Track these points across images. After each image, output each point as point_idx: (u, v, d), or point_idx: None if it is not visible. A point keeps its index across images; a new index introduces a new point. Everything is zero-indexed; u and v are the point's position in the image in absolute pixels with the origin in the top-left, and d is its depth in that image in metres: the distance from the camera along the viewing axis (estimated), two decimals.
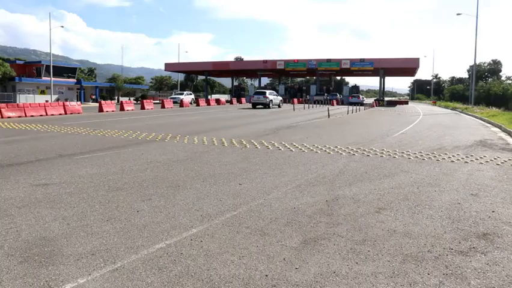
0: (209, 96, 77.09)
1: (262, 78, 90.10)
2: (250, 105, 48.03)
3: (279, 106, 46.49)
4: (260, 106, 44.30)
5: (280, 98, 49.63)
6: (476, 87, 58.93)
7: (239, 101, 63.08)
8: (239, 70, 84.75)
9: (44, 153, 11.22)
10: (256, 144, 13.32)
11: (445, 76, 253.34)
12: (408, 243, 4.84)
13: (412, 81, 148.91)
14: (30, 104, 30.56)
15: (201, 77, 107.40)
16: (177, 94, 64.25)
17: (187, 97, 59.73)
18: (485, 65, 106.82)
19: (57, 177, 8.11)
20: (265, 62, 76.11)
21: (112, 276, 3.91)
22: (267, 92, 46.52)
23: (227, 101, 64.54)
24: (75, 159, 10.33)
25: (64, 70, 65.32)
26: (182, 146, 12.94)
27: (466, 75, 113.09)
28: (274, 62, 74.91)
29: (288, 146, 12.90)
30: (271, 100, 44.60)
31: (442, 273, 4.08)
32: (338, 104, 62.52)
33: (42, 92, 59.40)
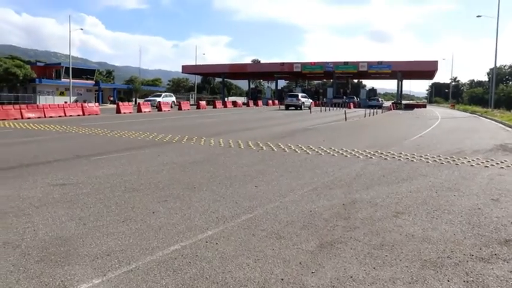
0: (226, 99, 77.26)
1: (278, 80, 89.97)
2: (266, 108, 50.85)
3: (309, 108, 48.41)
4: (292, 108, 48.04)
5: (310, 100, 52.59)
6: (496, 90, 58.10)
7: (256, 104, 63.07)
8: (256, 72, 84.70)
9: (62, 153, 11.32)
10: (272, 146, 13.27)
11: (464, 79, 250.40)
12: (427, 249, 4.74)
13: (430, 84, 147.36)
14: (49, 105, 31.01)
15: (217, 79, 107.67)
16: (155, 96, 56.38)
17: (167, 99, 52.69)
18: (506, 68, 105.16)
19: (75, 178, 8.16)
20: (282, 64, 75.96)
21: (127, 278, 3.89)
22: (300, 95, 51.04)
23: (244, 104, 64.57)
24: (92, 160, 10.41)
25: (82, 72, 66.07)
26: (198, 147, 12.95)
27: (485, 78, 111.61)
28: (291, 64, 74.70)
29: (305, 149, 12.82)
30: (303, 102, 48.56)
31: (463, 280, 3.97)
32: (355, 107, 62.09)
33: (62, 94, 60.16)
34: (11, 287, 3.69)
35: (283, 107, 52.64)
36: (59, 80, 61.71)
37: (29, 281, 3.80)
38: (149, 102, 44.71)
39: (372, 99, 66.22)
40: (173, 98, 57.19)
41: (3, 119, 24.63)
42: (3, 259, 4.25)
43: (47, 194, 6.91)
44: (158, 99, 50.08)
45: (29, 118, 26.31)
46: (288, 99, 50.22)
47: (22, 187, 7.33)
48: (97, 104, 40.21)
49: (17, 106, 27.50)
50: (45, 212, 5.89)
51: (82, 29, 65.85)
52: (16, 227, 5.22)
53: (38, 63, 68.62)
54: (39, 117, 27.08)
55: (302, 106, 47.97)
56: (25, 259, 4.26)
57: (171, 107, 46.75)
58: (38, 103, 44.82)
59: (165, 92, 63.66)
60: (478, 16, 55.94)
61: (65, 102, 40.28)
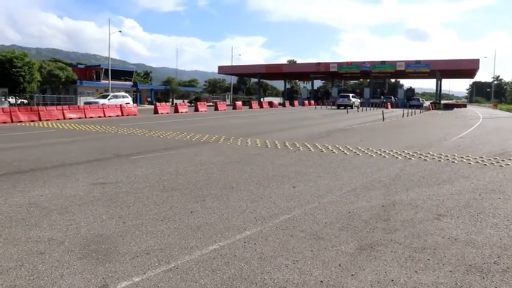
0: (261, 99, 77.30)
1: (314, 80, 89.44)
2: (303, 108, 51.81)
3: (358, 107, 51.55)
4: (342, 107, 51.31)
5: (359, 100, 57.23)
6: None
7: (292, 104, 62.88)
8: (292, 73, 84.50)
9: (102, 153, 11.57)
10: (309, 146, 13.18)
11: (508, 77, 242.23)
12: (472, 253, 4.58)
13: (471, 83, 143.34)
14: (89, 106, 31.77)
15: (253, 80, 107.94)
16: (100, 97, 41.85)
17: (116, 101, 36.50)
18: None
19: (114, 177, 8.32)
20: (318, 64, 75.53)
21: (166, 276, 3.92)
22: (350, 95, 55.84)
23: (280, 104, 64.50)
24: (131, 159, 10.59)
25: (121, 73, 67.51)
26: (235, 147, 13.00)
27: None
28: (327, 64, 74.19)
29: (342, 149, 12.67)
30: (354, 102, 53.07)
31: None
32: (392, 107, 61.08)
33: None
34: (56, 282, 3.77)
35: (319, 107, 55.47)
36: (98, 82, 63.30)
37: (72, 276, 3.88)
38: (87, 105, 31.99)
39: (412, 99, 65.68)
40: (128, 100, 40.06)
41: (47, 119, 25.44)
42: (48, 254, 4.37)
43: (88, 192, 7.07)
44: (102, 101, 35.92)
45: (70, 118, 27.06)
46: (339, 99, 54.24)
47: (65, 185, 7.52)
48: (135, 104, 40.96)
49: (59, 107, 28.38)
50: (86, 210, 6.02)
51: (120, 32, 67.02)
52: (60, 224, 5.35)
53: (79, 66, 70.62)
54: (80, 118, 27.82)
55: (353, 105, 51.65)
56: (68, 255, 4.36)
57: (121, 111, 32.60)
58: (78, 104, 46.03)
59: (118, 92, 44.09)
60: None
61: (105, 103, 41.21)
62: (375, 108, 52.44)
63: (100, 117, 29.37)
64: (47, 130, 19.17)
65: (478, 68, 65.65)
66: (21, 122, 23.97)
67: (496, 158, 11.42)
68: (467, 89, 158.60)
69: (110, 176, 8.44)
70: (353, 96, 55.70)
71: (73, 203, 6.40)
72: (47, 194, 6.88)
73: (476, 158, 11.35)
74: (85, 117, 28.39)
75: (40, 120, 25.14)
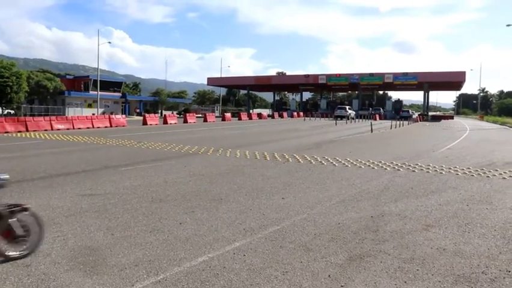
0: (251, 111, 77.40)
1: (303, 92, 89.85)
2: (292, 120, 52.33)
3: (353, 118, 55.20)
4: (339, 118, 52.52)
5: (354, 112, 60.96)
6: None
7: (281, 116, 63.04)
8: (281, 85, 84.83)
9: (90, 164, 11.49)
10: (298, 158, 13.20)
11: (493, 90, 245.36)
12: (460, 263, 4.61)
13: (457, 95, 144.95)
14: (78, 116, 31.62)
15: (242, 92, 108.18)
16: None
17: None
18: None
19: (103, 188, 8.26)
20: (307, 76, 75.91)
21: None
22: (347, 107, 60.96)
23: (269, 116, 64.60)
24: (120, 170, 10.52)
25: (110, 84, 67.24)
26: (224, 159, 12.98)
27: None
28: (316, 76, 74.60)
29: (331, 161, 12.71)
30: (350, 113, 56.46)
31: None
32: (380, 118, 61.53)
33: (90, 106, 61.33)
34: None
35: (308, 118, 56.75)
36: (87, 92, 62.98)
37: None
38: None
39: (403, 111, 66.65)
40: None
41: (34, 130, 25.21)
42: (34, 267, 4.31)
43: (76, 203, 7.00)
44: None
45: (58, 129, 26.85)
46: (337, 111, 58.59)
47: (52, 197, 7.44)
48: (123, 116, 40.81)
49: (47, 118, 28.18)
50: (74, 221, 5.96)
51: (109, 43, 66.92)
52: (46, 235, 5.27)
53: (67, 76, 70.27)
54: (68, 129, 27.61)
55: (349, 117, 54.29)
56: (55, 268, 4.31)
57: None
58: (67, 115, 45.74)
59: None
60: (508, 25, 54.95)
61: (93, 114, 41.06)
62: (363, 120, 52.80)
63: (88, 128, 29.18)
64: (34, 141, 19.00)
65: (464, 80, 66.45)
66: (7, 132, 23.72)
67: (483, 169, 11.53)
68: (454, 101, 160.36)
69: (98, 187, 8.37)
70: (349, 108, 60.25)
71: (60, 214, 6.33)
72: (34, 206, 6.77)
73: (463, 169, 11.45)
74: (73, 128, 28.18)
75: (27, 130, 24.91)
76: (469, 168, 11.74)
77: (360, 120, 53.50)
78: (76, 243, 5.04)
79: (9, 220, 4.43)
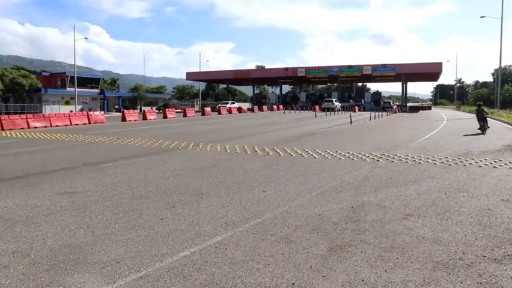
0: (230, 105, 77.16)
1: (283, 85, 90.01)
2: (272, 113, 52.83)
3: (339, 111, 58.24)
4: (327, 111, 55.32)
5: (340, 104, 63.66)
6: (501, 91, 57.84)
7: (261, 109, 63.01)
8: (260, 78, 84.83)
9: (69, 162, 11.35)
10: (279, 151, 13.25)
11: (469, 80, 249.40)
12: (438, 250, 4.69)
13: (435, 86, 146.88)
14: (55, 114, 31.17)
15: (222, 86, 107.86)
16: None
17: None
18: (511, 68, 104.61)
19: (82, 186, 8.17)
20: (286, 69, 76.06)
21: (137, 285, 3.87)
22: (333, 100, 63.18)
23: (249, 109, 64.55)
24: (99, 167, 10.42)
25: (87, 81, 66.32)
26: (205, 153, 12.95)
27: (490, 79, 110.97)
28: (295, 69, 74.78)
29: (311, 153, 12.78)
30: (336, 106, 59.53)
31: (476, 281, 3.92)
32: (359, 110, 62.07)
33: (67, 103, 60.38)
34: None
35: (287, 111, 57.68)
36: (64, 89, 61.98)
37: None
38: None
39: (385, 103, 68.09)
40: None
41: (10, 129, 24.76)
42: (13, 268, 4.25)
43: (55, 202, 6.91)
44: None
45: (35, 127, 26.41)
46: (324, 103, 61.76)
47: (30, 196, 7.34)
48: (102, 112, 40.34)
49: (23, 116, 27.63)
50: (53, 220, 5.89)
51: (86, 38, 65.82)
52: (25, 235, 5.22)
53: (44, 73, 69.10)
54: (45, 127, 27.19)
55: (335, 109, 57.18)
56: (35, 267, 4.26)
57: None
58: (43, 112, 45.02)
59: None
60: (482, 17, 55.87)
61: (71, 111, 40.47)
62: (343, 112, 53.19)
63: (66, 125, 28.78)
64: (10, 140, 18.65)
65: (441, 71, 67.38)
66: None
67: (460, 158, 11.74)
68: (432, 92, 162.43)
69: (77, 185, 8.28)
70: (335, 101, 62.65)
71: (39, 213, 6.25)
72: (11, 206, 6.70)
73: (441, 159, 11.63)
74: (51, 126, 27.76)
75: (3, 129, 24.45)
76: (446, 157, 11.93)
77: (341, 112, 53.93)
78: (56, 242, 4.99)
79: None
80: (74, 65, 56.85)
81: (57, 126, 28.04)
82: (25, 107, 53.67)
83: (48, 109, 52.82)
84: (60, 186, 8.18)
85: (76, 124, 29.78)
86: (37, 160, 11.77)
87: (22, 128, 25.64)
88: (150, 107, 65.90)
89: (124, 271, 4.16)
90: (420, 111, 66.66)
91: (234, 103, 62.20)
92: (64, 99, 60.78)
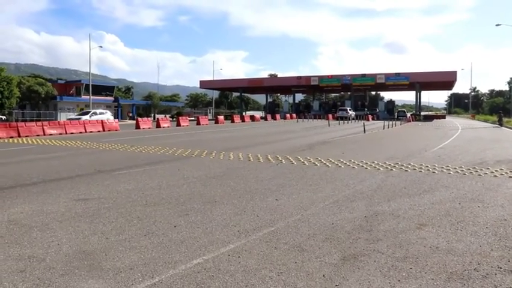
0: (243, 113, 77.43)
1: (296, 94, 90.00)
2: (284, 122, 53.36)
3: (354, 119, 59.16)
4: (340, 119, 56.06)
5: (354, 113, 64.53)
6: None
7: (274, 118, 63.05)
8: (273, 87, 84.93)
9: (83, 169, 11.46)
10: (291, 159, 13.24)
11: (484, 89, 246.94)
12: (453, 261, 4.65)
13: (449, 95, 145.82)
14: (70, 121, 31.46)
15: (235, 94, 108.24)
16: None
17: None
18: None
19: (97, 193, 8.25)
20: (299, 78, 76.08)
21: None
22: (348, 108, 64.05)
23: (262, 118, 64.64)
24: (113, 174, 10.51)
25: (102, 89, 67.13)
26: (218, 161, 12.99)
27: (506, 88, 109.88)
28: (308, 78, 74.77)
29: (324, 162, 12.76)
30: (351, 114, 60.55)
31: None
32: (373, 119, 61.83)
33: (82, 110, 61.13)
34: None
35: (300, 120, 57.94)
36: (79, 97, 62.81)
37: None
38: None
39: (399, 111, 68.46)
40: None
41: (26, 136, 25.11)
42: (29, 272, 4.30)
43: (70, 208, 6.99)
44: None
45: (50, 134, 26.74)
46: (339, 112, 61.82)
47: (46, 202, 7.43)
48: (116, 120, 40.69)
49: (39, 123, 28.02)
50: (68, 226, 5.96)
51: (101, 47, 66.74)
52: (41, 241, 5.28)
53: (59, 81, 70.09)
54: (60, 134, 27.51)
55: (350, 117, 57.99)
56: (50, 273, 4.31)
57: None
58: (59, 120, 45.53)
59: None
60: (497, 25, 55.42)
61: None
62: (356, 121, 53.02)
63: (81, 133, 29.09)
64: (27, 146, 18.92)
65: (455, 80, 66.90)
66: None
67: (474, 168, 11.63)
68: (446, 101, 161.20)
69: (92, 191, 8.36)
70: (350, 110, 63.33)
71: (54, 219, 6.32)
72: (27, 211, 6.79)
73: (455, 168, 11.53)
74: (66, 133, 28.09)
75: (19, 136, 24.80)
76: (461, 167, 11.83)
77: (355, 121, 53.76)
78: (71, 248, 5.04)
79: None
80: (89, 72, 57.54)
81: (72, 133, 28.35)
82: (41, 114, 54.42)
83: (63, 116, 53.44)
84: (75, 192, 8.27)
85: (91, 131, 30.09)
86: (52, 167, 11.91)
87: (38, 135, 25.98)
88: (164, 115, 66.32)
89: (137, 277, 4.19)
90: (435, 120, 66.24)
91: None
92: (79, 106, 61.54)
